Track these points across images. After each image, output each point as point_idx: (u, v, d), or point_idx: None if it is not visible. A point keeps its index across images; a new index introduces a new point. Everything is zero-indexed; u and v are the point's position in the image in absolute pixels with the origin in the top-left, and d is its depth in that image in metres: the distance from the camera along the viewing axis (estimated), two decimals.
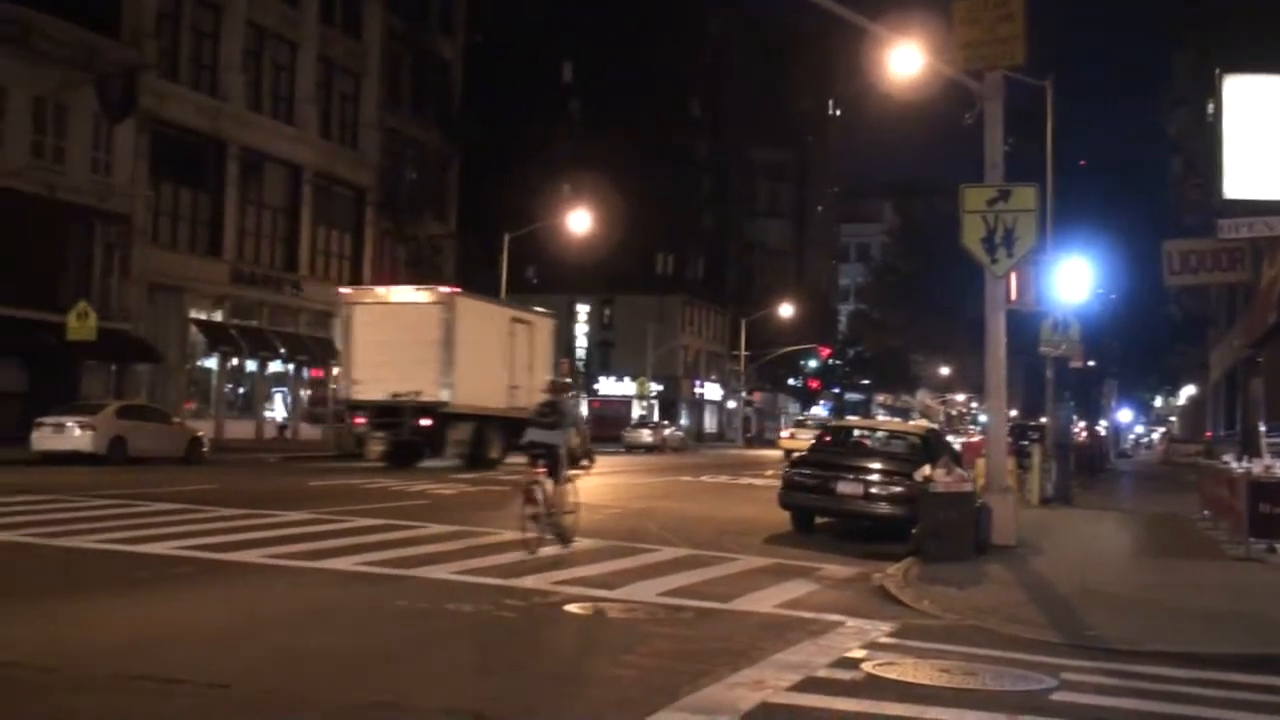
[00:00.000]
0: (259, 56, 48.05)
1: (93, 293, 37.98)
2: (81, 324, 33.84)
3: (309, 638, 8.83)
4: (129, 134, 40.93)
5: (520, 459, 18.37)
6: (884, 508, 17.21)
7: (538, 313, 39.38)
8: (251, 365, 48.31)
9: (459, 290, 35.07)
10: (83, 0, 38.54)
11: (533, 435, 14.79)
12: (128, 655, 7.82)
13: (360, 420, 34.43)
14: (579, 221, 56.15)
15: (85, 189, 39.20)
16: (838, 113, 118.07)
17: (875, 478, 17.44)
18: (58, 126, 38.57)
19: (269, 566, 12.20)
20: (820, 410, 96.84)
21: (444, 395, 32.47)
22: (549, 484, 14.46)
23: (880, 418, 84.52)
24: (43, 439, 30.33)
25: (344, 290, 37.79)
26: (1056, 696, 7.88)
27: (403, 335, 32.81)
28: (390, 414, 32.73)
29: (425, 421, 32.37)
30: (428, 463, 33.11)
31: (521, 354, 36.12)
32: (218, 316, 46.10)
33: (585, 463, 15.54)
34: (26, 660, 7.53)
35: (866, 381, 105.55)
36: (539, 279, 76.41)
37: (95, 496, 19.29)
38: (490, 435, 33.44)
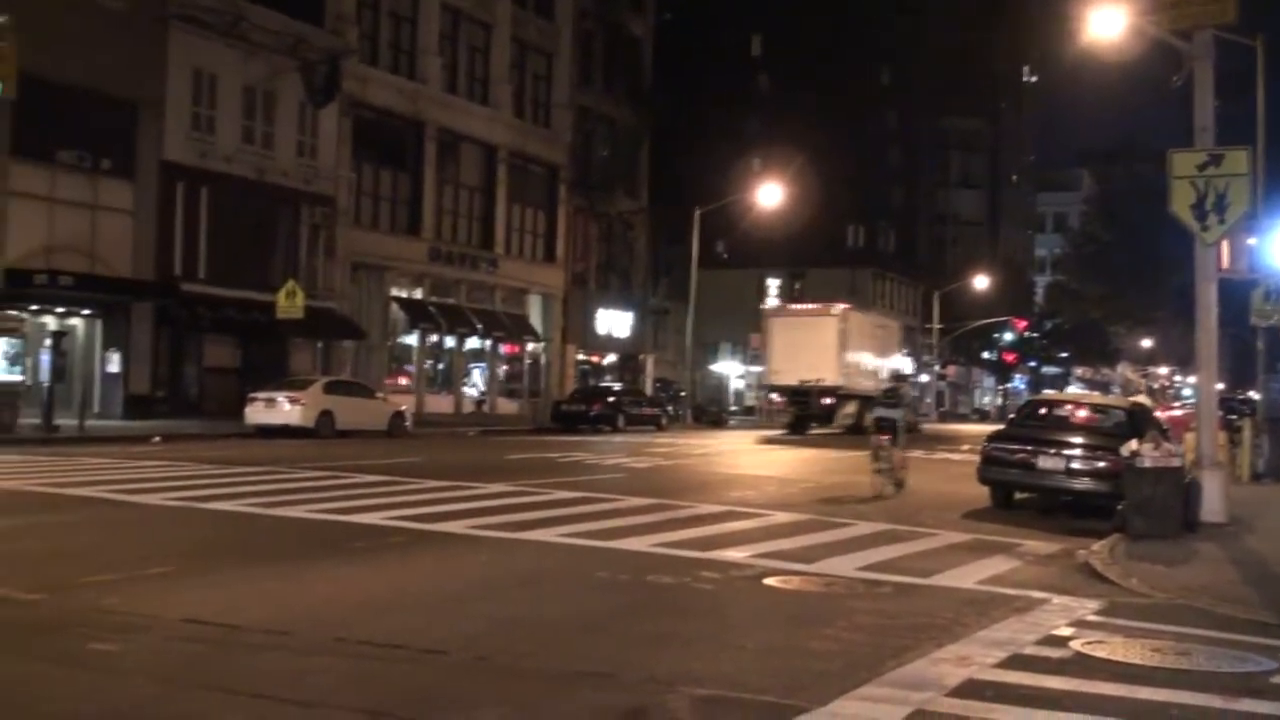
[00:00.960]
0: (454, 39, 49.06)
1: (300, 272, 39.40)
2: (290, 302, 35.14)
3: (516, 606, 9.09)
4: (332, 118, 42.27)
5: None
6: (1087, 483, 16.85)
7: (890, 321, 54.44)
8: (450, 341, 49.50)
9: (850, 306, 48.33)
10: None
11: (880, 412, 20.71)
12: (349, 621, 8.17)
13: (778, 399, 48.01)
14: (769, 195, 55.96)
15: (292, 172, 40.66)
16: (1034, 79, 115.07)
17: (1078, 452, 17.07)
18: (266, 113, 40.06)
19: (474, 537, 12.56)
20: (1018, 384, 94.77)
21: (840, 381, 43.81)
22: (892, 449, 19.71)
23: (1079, 391, 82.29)
24: (256, 413, 31.66)
25: (765, 307, 57.05)
26: (1278, 679, 7.65)
27: (809, 338, 44.25)
28: (800, 395, 44.51)
29: (826, 400, 43.92)
30: (817, 431, 44.45)
31: (882, 350, 48.28)
32: (417, 294, 47.37)
33: (910, 434, 21.79)
34: (255, 625, 7.93)
35: (1064, 355, 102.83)
36: (729, 253, 76.37)
37: (306, 468, 20.09)
38: (865, 411, 39.76)
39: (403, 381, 46.69)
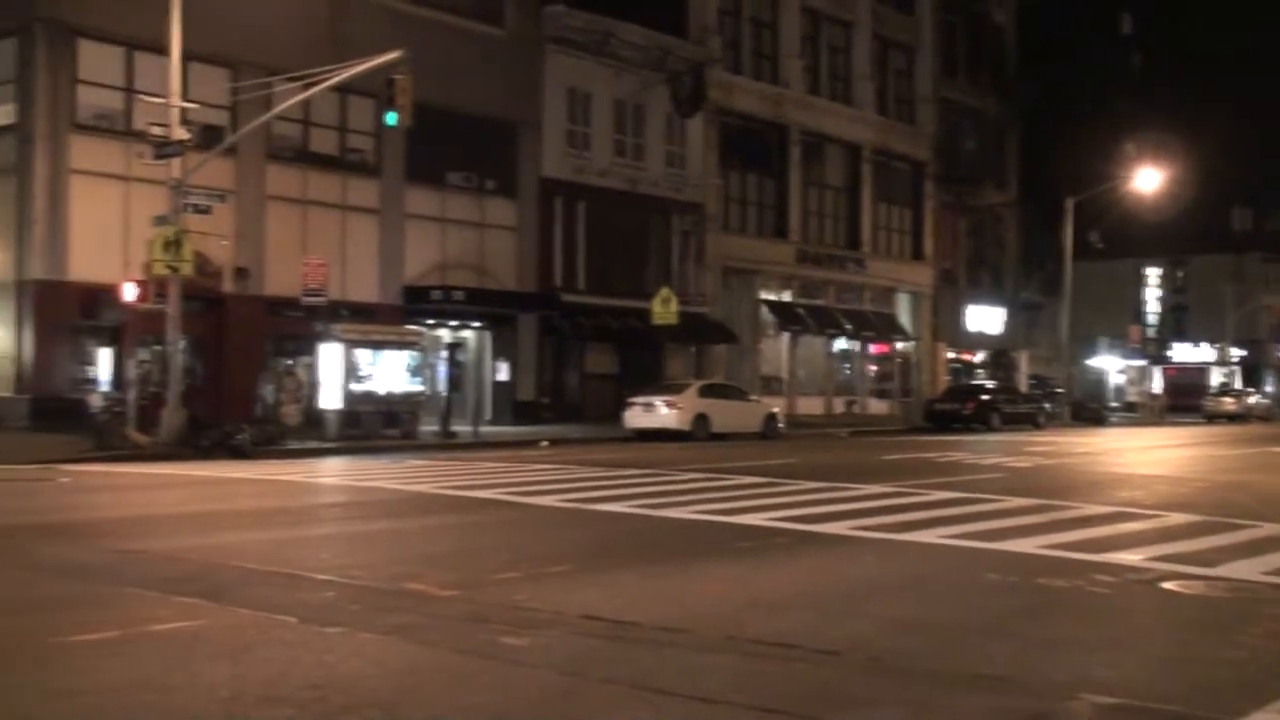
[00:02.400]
0: (815, 41, 49.21)
1: (673, 279, 40.43)
2: (665, 309, 36.10)
3: (906, 608, 9.05)
4: (699, 127, 43.18)
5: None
6: None
7: None
8: (819, 342, 49.59)
9: None
10: (653, 4, 41.00)
11: None
12: (740, 619, 8.35)
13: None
14: (1147, 180, 53.34)
15: (662, 182, 41.79)
16: None
17: None
18: (636, 126, 41.34)
19: (856, 538, 12.57)
20: None
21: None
22: None
23: None
24: (634, 417, 32.70)
25: None
26: None
27: None
28: None
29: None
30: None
31: None
32: (786, 296, 47.73)
33: None
34: (650, 622, 8.21)
35: None
36: (1104, 243, 73.19)
37: (686, 470, 20.59)
38: None
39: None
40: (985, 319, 57.91)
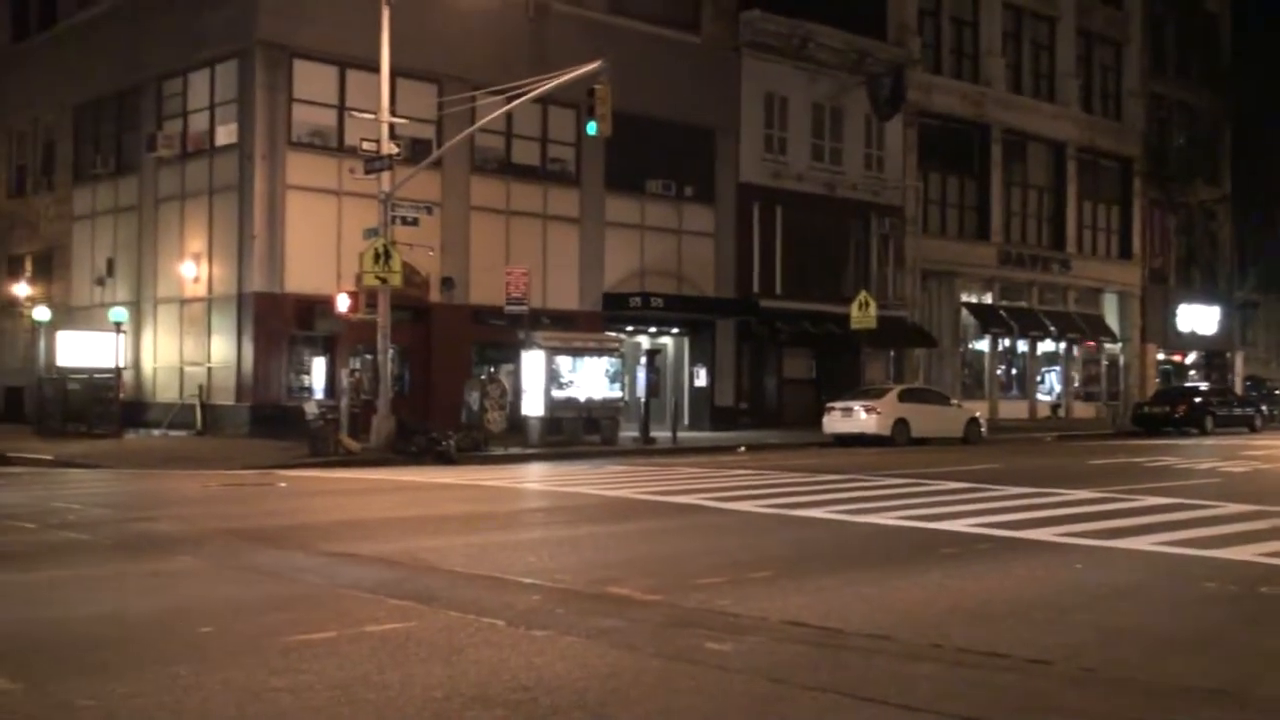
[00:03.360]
0: (1018, 37, 48.23)
1: (871, 283, 40.07)
2: (863, 313, 35.80)
3: (1119, 617, 8.81)
4: (897, 129, 42.71)
5: None
6: None
7: None
8: (1022, 345, 48.52)
9: None
10: (851, 6, 40.72)
11: None
12: (945, 627, 8.25)
13: None
14: None
15: (860, 185, 41.46)
16: None
17: None
18: (833, 129, 41.11)
19: (1063, 545, 12.27)
20: None
21: None
22: None
23: None
24: (832, 422, 32.50)
25: None
26: None
27: None
28: None
29: None
30: None
31: None
32: (987, 299, 46.85)
33: None
34: (854, 628, 8.17)
35: None
36: None
37: (886, 476, 20.39)
38: None
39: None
40: (1197, 319, 55.84)
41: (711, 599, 9.11)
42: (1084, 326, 49.93)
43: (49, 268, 39.03)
